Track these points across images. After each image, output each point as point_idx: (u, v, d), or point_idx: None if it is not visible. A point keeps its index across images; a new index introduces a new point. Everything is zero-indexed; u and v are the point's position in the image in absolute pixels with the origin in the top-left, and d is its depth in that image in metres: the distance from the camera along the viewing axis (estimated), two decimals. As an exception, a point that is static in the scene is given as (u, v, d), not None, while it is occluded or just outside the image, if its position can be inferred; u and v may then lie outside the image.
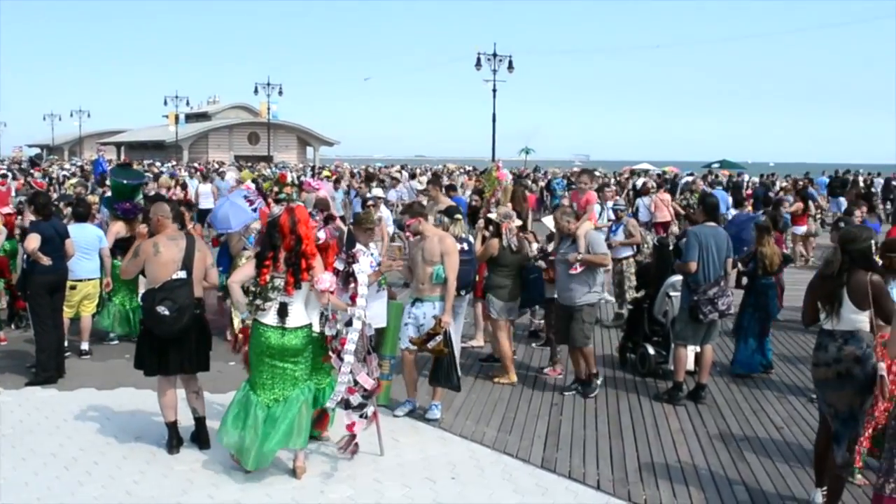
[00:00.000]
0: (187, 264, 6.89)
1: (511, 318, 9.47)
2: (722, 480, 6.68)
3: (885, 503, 5.10)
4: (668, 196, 20.40)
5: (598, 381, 8.94)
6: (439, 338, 7.73)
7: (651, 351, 9.69)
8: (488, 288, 9.42)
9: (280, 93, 64.71)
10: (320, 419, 6.85)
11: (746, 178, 35.13)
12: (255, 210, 8.38)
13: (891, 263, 6.61)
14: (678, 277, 9.06)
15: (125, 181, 11.21)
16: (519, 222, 9.61)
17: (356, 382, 6.75)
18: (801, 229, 19.22)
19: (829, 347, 5.82)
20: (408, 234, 8.60)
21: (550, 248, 9.91)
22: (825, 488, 6.01)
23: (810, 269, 17.15)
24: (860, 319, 5.74)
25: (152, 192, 15.25)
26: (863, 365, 5.68)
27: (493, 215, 9.44)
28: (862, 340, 5.73)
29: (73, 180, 25.38)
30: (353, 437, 6.78)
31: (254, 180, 8.51)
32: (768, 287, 9.99)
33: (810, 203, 19.88)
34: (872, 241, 5.88)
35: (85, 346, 10.28)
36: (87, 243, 10.01)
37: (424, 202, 11.83)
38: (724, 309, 8.50)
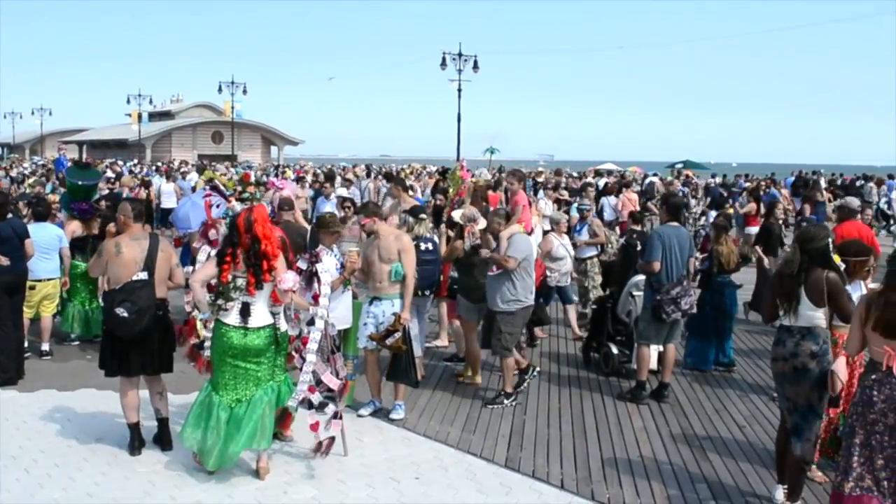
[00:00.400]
0: (149, 265, 6.81)
1: (480, 318, 9.44)
2: (685, 478, 6.74)
3: (845, 502, 5.18)
4: (634, 196, 20.56)
5: (509, 401, 8.52)
6: (398, 334, 7.71)
7: (614, 350, 9.75)
8: (456, 289, 9.41)
9: (244, 92, 64.36)
10: (283, 419, 6.81)
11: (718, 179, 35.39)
12: (218, 207, 8.31)
13: (846, 267, 6.71)
14: (641, 277, 9.11)
15: (80, 182, 11.05)
16: (483, 224, 9.61)
17: (319, 382, 6.74)
18: (754, 230, 19.48)
19: (787, 343, 5.95)
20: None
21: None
22: (786, 485, 6.10)
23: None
24: (817, 316, 5.88)
25: (104, 192, 15.03)
26: (819, 360, 5.81)
27: (456, 216, 9.42)
28: (818, 337, 5.87)
29: (31, 179, 25.07)
30: (332, 439, 6.74)
31: (210, 179, 8.43)
32: (724, 285, 10.17)
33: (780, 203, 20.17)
34: (830, 241, 5.99)
35: (45, 346, 10.15)
36: (47, 243, 9.87)
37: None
38: (687, 308, 8.57)
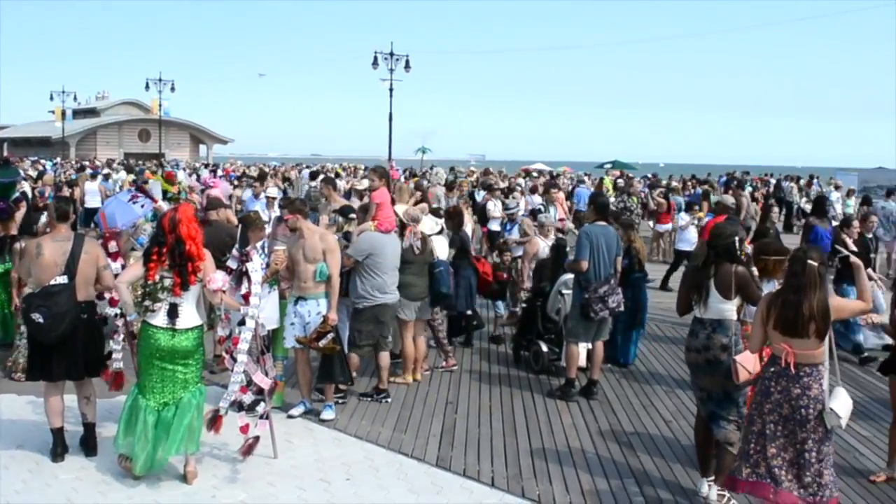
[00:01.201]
0: (70, 268, 6.62)
1: (422, 317, 9.43)
2: (613, 474, 6.83)
3: (740, 486, 5.52)
4: (562, 195, 20.77)
5: (380, 397, 8.56)
6: (330, 335, 7.67)
7: (544, 348, 9.83)
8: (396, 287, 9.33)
9: (172, 89, 63.28)
10: (213, 421, 6.72)
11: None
12: (142, 207, 8.16)
13: (765, 266, 6.93)
14: (570, 276, 9.20)
15: None
16: (424, 224, 9.62)
17: (250, 382, 6.67)
18: (665, 227, 20.11)
19: (700, 335, 6.20)
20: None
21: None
22: (711, 478, 6.24)
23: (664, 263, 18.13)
24: (726, 308, 6.13)
25: (21, 191, 14.65)
26: (729, 352, 6.02)
27: (401, 215, 9.36)
28: (728, 329, 6.12)
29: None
30: (258, 439, 6.68)
31: (135, 179, 8.29)
32: (640, 280, 10.49)
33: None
34: (737, 238, 6.24)
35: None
36: (-35, 244, 9.59)
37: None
38: (615, 306, 8.68)
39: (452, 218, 11.33)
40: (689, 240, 16.08)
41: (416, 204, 14.45)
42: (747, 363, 5.80)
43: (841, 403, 5.29)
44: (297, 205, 8.18)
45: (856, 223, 11.19)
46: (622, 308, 8.88)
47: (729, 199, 13.72)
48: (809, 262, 5.33)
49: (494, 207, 16.90)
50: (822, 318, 5.27)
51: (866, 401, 8.85)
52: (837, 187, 25.52)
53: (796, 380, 5.31)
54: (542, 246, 11.09)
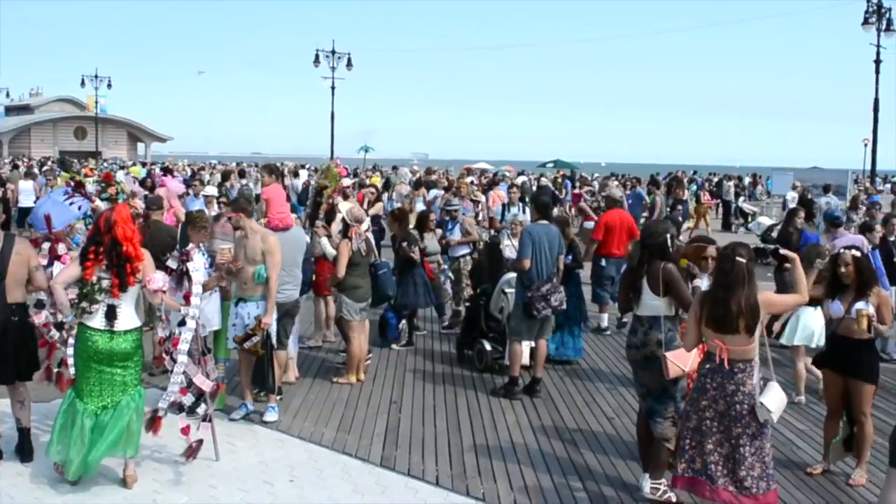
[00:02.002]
0: (0, 269, 6.49)
1: (365, 317, 9.39)
2: (556, 470, 6.88)
3: (677, 482, 5.64)
4: (503, 193, 20.86)
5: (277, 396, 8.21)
6: (257, 338, 7.56)
7: (488, 347, 9.86)
8: (340, 288, 9.29)
9: (109, 86, 62.37)
10: (152, 422, 6.62)
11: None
12: (79, 208, 8.00)
13: (686, 254, 7.07)
14: (513, 275, 9.24)
15: None
16: (367, 225, 9.61)
17: (190, 384, 6.58)
18: (590, 224, 20.51)
19: (637, 332, 6.33)
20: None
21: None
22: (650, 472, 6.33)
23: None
24: (658, 306, 6.22)
25: None
26: (667, 347, 6.11)
27: (344, 214, 9.29)
28: (663, 326, 6.20)
29: None
30: (201, 442, 6.59)
31: (72, 178, 8.12)
32: (578, 276, 10.73)
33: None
34: (669, 236, 6.35)
35: None
36: None
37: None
38: (557, 305, 8.74)
39: (399, 219, 11.35)
40: None
41: (376, 201, 14.37)
42: (678, 359, 5.92)
43: (773, 397, 5.39)
44: (240, 203, 8.07)
45: (878, 228, 11.24)
46: (564, 307, 8.93)
47: (617, 193, 13.99)
48: (738, 259, 5.43)
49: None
50: (750, 314, 5.37)
51: (803, 395, 9.02)
52: (794, 187, 26.02)
53: (730, 376, 5.41)
54: (506, 244, 11.13)
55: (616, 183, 29.54)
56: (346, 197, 12.36)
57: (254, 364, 7.87)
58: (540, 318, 8.73)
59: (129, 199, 10.88)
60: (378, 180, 28.60)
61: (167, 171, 26.19)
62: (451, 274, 12.12)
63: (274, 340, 7.85)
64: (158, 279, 6.22)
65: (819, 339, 8.42)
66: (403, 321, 11.00)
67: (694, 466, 5.51)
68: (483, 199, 18.12)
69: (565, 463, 7.06)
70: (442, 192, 18.61)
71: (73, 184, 7.94)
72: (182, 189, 17.45)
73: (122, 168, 39.45)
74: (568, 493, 6.44)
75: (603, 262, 12.24)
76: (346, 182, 14.50)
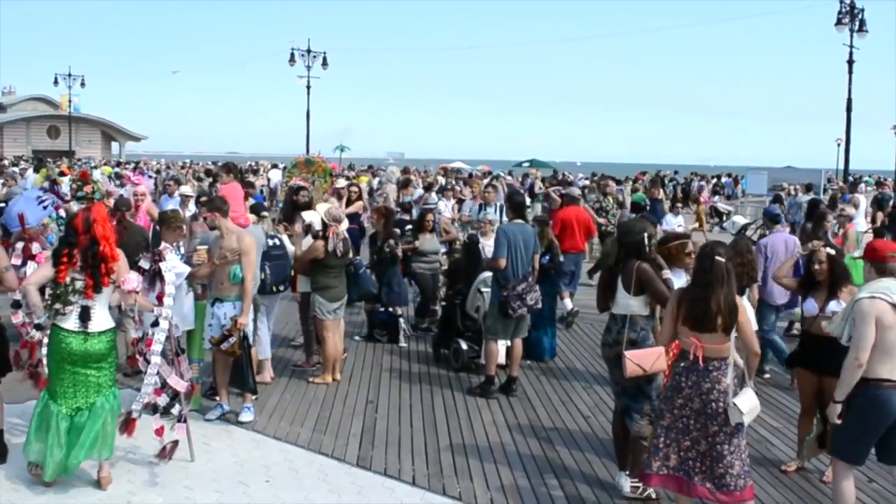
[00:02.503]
0: None
1: (340, 317, 9.36)
2: (533, 469, 6.89)
3: (652, 479, 5.64)
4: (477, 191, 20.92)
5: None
6: (233, 339, 7.52)
7: (464, 346, 9.86)
8: (314, 288, 9.24)
9: (82, 84, 61.92)
10: (126, 424, 6.56)
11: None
12: (45, 208, 7.92)
13: (669, 253, 7.09)
14: (489, 274, 9.25)
15: None
16: (346, 225, 9.57)
17: (164, 384, 6.53)
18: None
19: (612, 330, 6.39)
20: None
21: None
22: (628, 471, 6.35)
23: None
24: (632, 304, 6.28)
25: None
26: (639, 347, 6.15)
27: (322, 214, 9.24)
28: (637, 324, 6.28)
29: None
30: (176, 443, 6.54)
31: (47, 177, 8.05)
32: (555, 276, 10.81)
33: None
34: (646, 234, 6.40)
35: None
36: None
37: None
38: (532, 304, 8.75)
39: (386, 217, 11.40)
40: None
41: (357, 199, 14.30)
42: (640, 358, 5.92)
43: (747, 401, 5.40)
44: (216, 203, 8.02)
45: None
46: (540, 305, 8.95)
47: (575, 191, 14.35)
48: (717, 258, 5.45)
49: (445, 207, 16.93)
50: (728, 313, 5.40)
51: (777, 393, 9.10)
52: (809, 188, 26.17)
53: (706, 374, 5.42)
54: (481, 244, 11.16)
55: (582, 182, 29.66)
56: (340, 198, 12.37)
57: (231, 365, 7.82)
58: (515, 318, 8.75)
59: (105, 199, 10.79)
60: (366, 179, 28.57)
61: (137, 170, 26.11)
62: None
63: (252, 340, 7.82)
64: (133, 280, 6.17)
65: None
66: (401, 319, 11.19)
67: (668, 464, 5.52)
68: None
69: (541, 461, 7.08)
70: (422, 191, 18.63)
71: (48, 184, 7.87)
72: (150, 188, 17.32)
73: (94, 168, 39.17)
74: (544, 492, 6.45)
75: (561, 258, 12.33)
76: (342, 183, 14.54)
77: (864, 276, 5.77)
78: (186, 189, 15.40)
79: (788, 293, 9.21)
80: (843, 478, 5.59)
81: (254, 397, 8.03)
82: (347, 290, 9.33)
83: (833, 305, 6.62)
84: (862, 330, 5.37)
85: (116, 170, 33.24)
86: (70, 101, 64.27)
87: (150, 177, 28.37)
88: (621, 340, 6.24)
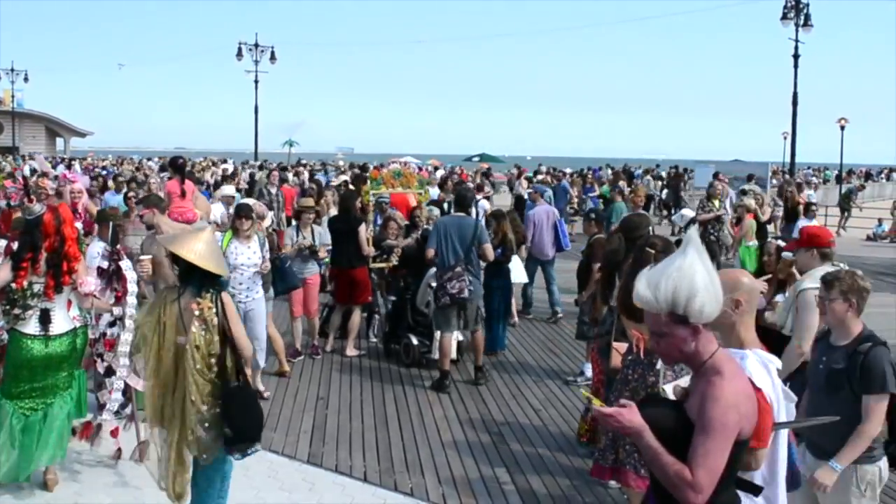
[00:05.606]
0: None
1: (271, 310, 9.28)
2: (484, 463, 6.93)
3: (605, 473, 5.59)
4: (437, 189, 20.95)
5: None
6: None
7: (414, 341, 9.87)
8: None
9: (26, 79, 61.00)
10: (85, 429, 6.44)
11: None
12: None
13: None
14: (437, 269, 9.27)
15: None
16: (269, 221, 9.52)
17: (126, 386, 6.42)
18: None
19: (606, 321, 6.46)
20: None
21: None
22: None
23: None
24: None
25: None
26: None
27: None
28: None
29: None
30: (145, 442, 6.39)
31: (9, 174, 7.87)
32: (510, 271, 10.84)
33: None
34: (650, 227, 6.54)
35: None
36: None
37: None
38: (455, 293, 8.70)
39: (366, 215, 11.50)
40: None
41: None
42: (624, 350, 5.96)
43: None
44: (152, 199, 7.88)
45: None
46: (465, 294, 8.77)
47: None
48: (647, 248, 5.48)
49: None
50: None
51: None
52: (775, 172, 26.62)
53: (650, 367, 5.43)
54: None
55: (542, 175, 29.86)
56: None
57: None
58: (457, 309, 8.80)
59: (39, 180, 10.55)
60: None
61: (69, 166, 25.60)
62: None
63: None
64: (91, 282, 6.03)
65: None
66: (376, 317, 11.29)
67: (617, 457, 5.56)
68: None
69: (493, 455, 7.11)
70: None
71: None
72: (89, 185, 17.00)
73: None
74: (496, 486, 6.49)
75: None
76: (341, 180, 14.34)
77: (802, 263, 5.88)
78: (230, 189, 14.60)
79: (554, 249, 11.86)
80: None
81: None
82: (273, 284, 9.23)
83: (779, 299, 6.72)
84: (806, 319, 5.45)
85: (61, 166, 32.61)
86: (13, 97, 63.08)
87: (92, 177, 27.86)
88: (611, 331, 6.20)
